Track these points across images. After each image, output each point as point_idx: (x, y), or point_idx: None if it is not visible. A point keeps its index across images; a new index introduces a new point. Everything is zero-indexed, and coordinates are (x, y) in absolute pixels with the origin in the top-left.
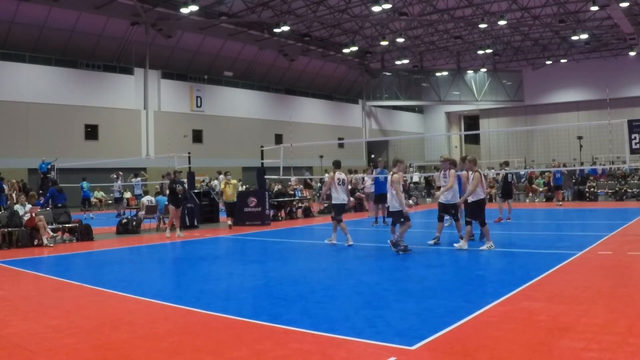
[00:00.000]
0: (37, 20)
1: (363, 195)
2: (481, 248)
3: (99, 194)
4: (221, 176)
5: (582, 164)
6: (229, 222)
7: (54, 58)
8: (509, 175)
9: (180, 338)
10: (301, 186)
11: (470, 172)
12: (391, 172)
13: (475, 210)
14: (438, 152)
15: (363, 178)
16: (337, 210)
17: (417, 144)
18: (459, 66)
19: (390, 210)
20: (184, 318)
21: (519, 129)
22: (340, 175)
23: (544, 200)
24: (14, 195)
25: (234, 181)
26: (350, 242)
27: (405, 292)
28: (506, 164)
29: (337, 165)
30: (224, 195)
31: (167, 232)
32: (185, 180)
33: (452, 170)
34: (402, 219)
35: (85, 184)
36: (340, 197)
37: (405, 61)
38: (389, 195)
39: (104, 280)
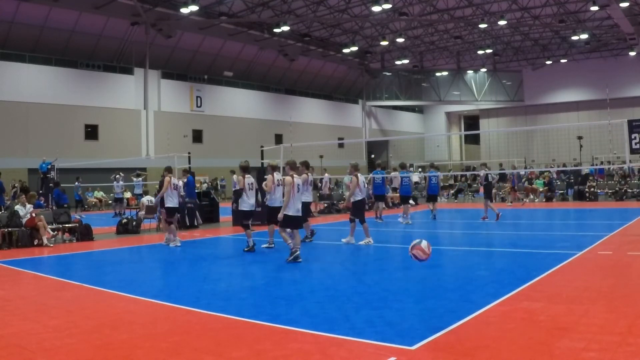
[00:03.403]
0: (37, 20)
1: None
2: (361, 243)
3: (99, 194)
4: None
5: (576, 165)
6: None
7: (54, 58)
8: (489, 175)
9: (180, 338)
10: None
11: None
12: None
13: (355, 209)
14: (438, 152)
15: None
16: (171, 212)
17: (417, 144)
18: (459, 66)
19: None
20: (184, 318)
21: (519, 129)
22: (174, 180)
23: (544, 200)
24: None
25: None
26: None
27: (405, 292)
28: (484, 165)
29: (169, 170)
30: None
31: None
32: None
33: (287, 178)
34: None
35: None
36: (174, 201)
37: (405, 61)
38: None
39: (104, 280)
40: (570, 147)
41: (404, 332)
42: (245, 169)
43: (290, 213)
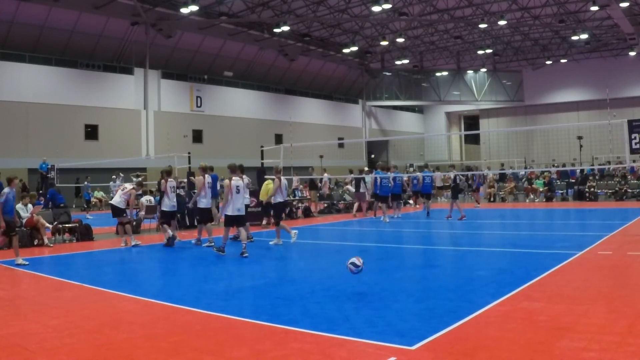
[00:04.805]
0: (37, 20)
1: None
2: (270, 242)
3: (99, 194)
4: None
5: (573, 164)
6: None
7: (54, 58)
8: (457, 177)
9: (180, 338)
10: (301, 186)
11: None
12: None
13: (274, 211)
14: (438, 152)
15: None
16: (117, 212)
17: (417, 144)
18: (459, 66)
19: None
20: (184, 318)
21: (519, 129)
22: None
23: (544, 200)
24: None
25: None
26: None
27: (405, 292)
28: (453, 166)
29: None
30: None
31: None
32: (185, 180)
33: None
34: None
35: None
36: (117, 199)
37: (405, 61)
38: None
39: (104, 280)
40: (570, 147)
41: (404, 332)
42: (168, 173)
43: (229, 213)
